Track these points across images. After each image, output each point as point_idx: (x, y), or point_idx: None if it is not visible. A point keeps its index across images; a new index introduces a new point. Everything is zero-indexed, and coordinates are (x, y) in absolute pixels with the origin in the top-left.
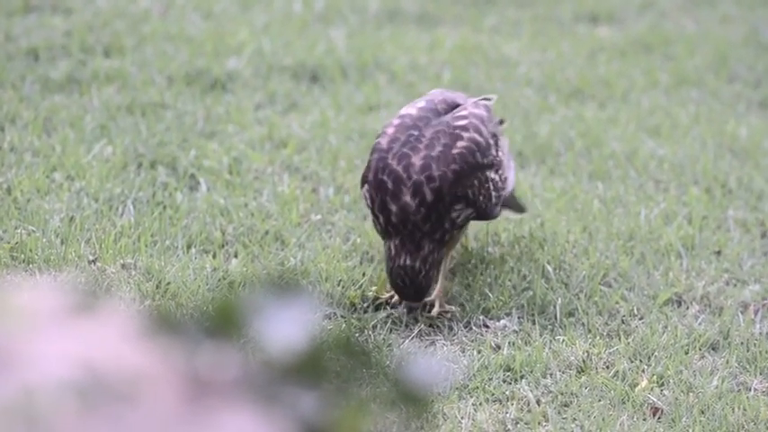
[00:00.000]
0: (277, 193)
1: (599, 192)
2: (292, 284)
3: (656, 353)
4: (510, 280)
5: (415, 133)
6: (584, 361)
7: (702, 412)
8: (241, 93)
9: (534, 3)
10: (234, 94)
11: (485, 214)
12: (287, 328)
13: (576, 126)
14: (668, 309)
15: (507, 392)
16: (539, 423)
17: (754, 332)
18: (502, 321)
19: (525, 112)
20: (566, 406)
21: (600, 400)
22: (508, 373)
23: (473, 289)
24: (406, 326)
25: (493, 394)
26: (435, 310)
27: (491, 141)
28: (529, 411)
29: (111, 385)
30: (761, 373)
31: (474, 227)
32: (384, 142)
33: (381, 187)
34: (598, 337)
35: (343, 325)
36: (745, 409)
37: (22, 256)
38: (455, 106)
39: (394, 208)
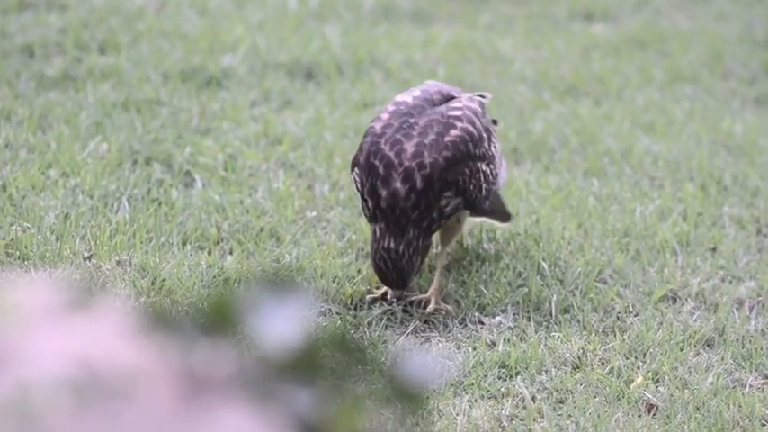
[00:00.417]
0: (272, 190)
1: (594, 189)
2: (287, 281)
3: (651, 349)
4: (505, 277)
5: (410, 120)
6: (579, 357)
7: (698, 409)
8: (236, 90)
9: (529, 0)
10: (229, 91)
11: (474, 205)
12: (282, 324)
13: (570, 123)
14: (663, 305)
15: (502, 389)
16: (534, 419)
17: (750, 329)
18: (497, 318)
19: (520, 109)
20: (561, 402)
21: (595, 397)
22: (503, 370)
23: (468, 286)
24: (402, 322)
25: (488, 391)
26: (431, 307)
27: (484, 135)
28: (524, 408)
29: (106, 382)
30: (756, 370)
31: (469, 223)
32: (378, 127)
33: (372, 172)
34: (593, 334)
35: (339, 322)
36: (740, 406)
37: (18, 252)
38: (450, 98)
39: (383, 193)
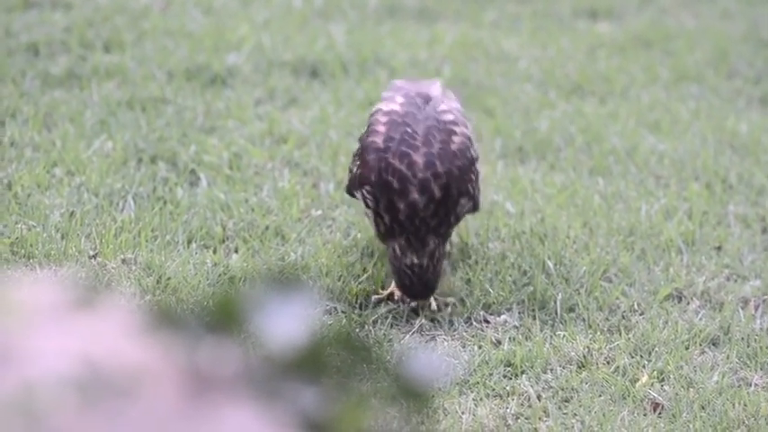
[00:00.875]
0: (277, 189)
1: (599, 187)
2: (293, 280)
3: (656, 348)
4: (510, 275)
5: (409, 130)
6: (584, 356)
7: (703, 407)
8: (241, 88)
9: None
10: (234, 89)
11: (477, 206)
12: (287, 323)
13: (576, 122)
14: (669, 304)
15: (508, 388)
16: (539, 418)
17: (755, 328)
18: (502, 317)
19: (525, 108)
20: (566, 401)
21: (600, 396)
22: (509, 369)
23: (473, 284)
24: (407, 321)
25: (493, 389)
26: (434, 305)
27: (473, 135)
28: (529, 407)
29: (111, 381)
30: (761, 369)
31: (473, 221)
32: (379, 141)
33: (387, 187)
34: (598, 333)
35: (344, 320)
36: (745, 405)
37: (23, 251)
38: (426, 96)
39: (402, 206)
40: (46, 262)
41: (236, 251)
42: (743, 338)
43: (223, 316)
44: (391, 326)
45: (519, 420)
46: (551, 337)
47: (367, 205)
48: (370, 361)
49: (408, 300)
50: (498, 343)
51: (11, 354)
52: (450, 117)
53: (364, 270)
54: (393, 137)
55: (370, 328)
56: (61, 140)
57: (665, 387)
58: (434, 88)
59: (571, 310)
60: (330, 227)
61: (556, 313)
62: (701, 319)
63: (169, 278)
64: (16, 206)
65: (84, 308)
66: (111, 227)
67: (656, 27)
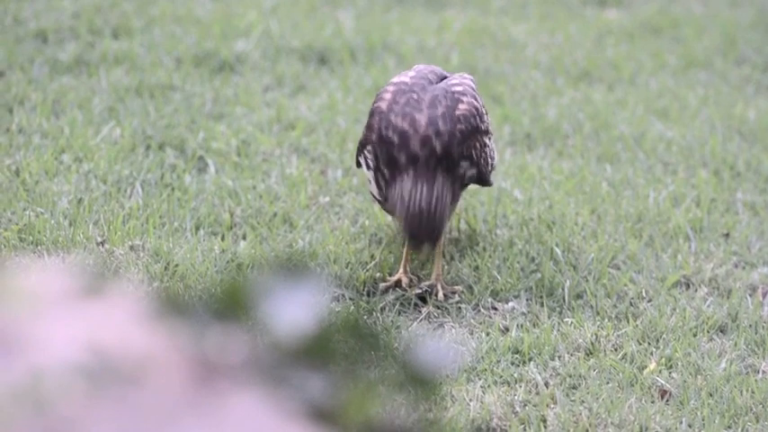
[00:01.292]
0: (285, 176)
1: (607, 174)
2: (300, 267)
3: (664, 335)
4: (518, 262)
5: (414, 96)
6: (592, 343)
7: (711, 395)
8: (249, 75)
9: None
10: (242, 76)
11: (484, 178)
12: (295, 310)
13: (584, 108)
14: (677, 291)
15: (515, 375)
16: (547, 405)
17: (763, 315)
18: (510, 304)
19: (533, 95)
20: (574, 388)
21: (608, 383)
22: (516, 356)
23: (481, 271)
24: (415, 308)
25: (501, 377)
26: (440, 295)
27: (483, 110)
28: (537, 394)
29: (118, 368)
30: None
31: (481, 208)
32: (384, 105)
33: (388, 142)
34: (606, 320)
35: (352, 307)
36: (753, 392)
37: (31, 237)
38: (443, 77)
39: (403, 157)
40: (54, 249)
41: (244, 238)
42: (751, 326)
43: (231, 303)
44: (399, 313)
45: (527, 407)
46: (559, 324)
47: (368, 167)
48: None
49: (413, 289)
50: (506, 330)
51: (19, 341)
52: (459, 89)
53: (372, 257)
54: (398, 101)
55: (378, 315)
56: (69, 127)
57: (673, 374)
58: (457, 75)
59: (579, 296)
60: (338, 214)
61: (564, 300)
62: (708, 306)
63: (177, 265)
64: (24, 193)
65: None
66: (119, 214)
67: (665, 14)
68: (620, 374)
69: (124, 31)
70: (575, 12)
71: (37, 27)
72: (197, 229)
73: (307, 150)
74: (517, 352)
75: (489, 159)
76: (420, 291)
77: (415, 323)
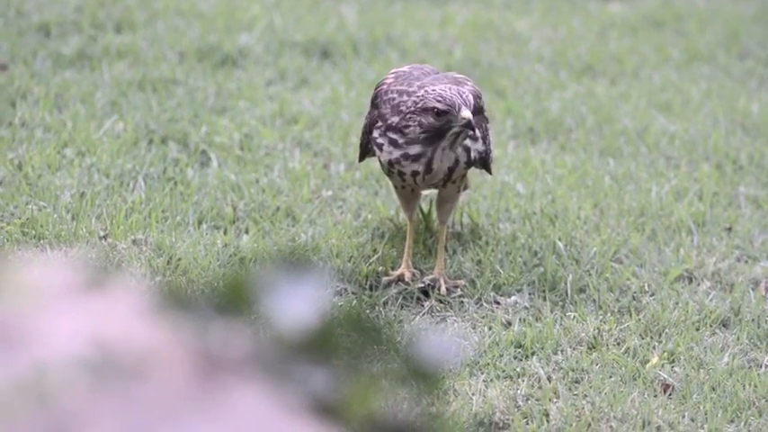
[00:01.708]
0: (288, 169)
1: (610, 168)
2: (303, 260)
3: (666, 329)
4: (521, 256)
5: (415, 73)
6: (594, 337)
7: (713, 389)
8: (252, 69)
9: None
10: (245, 70)
11: (486, 160)
12: (298, 304)
13: (587, 102)
14: (679, 285)
15: (518, 369)
16: (549, 399)
17: (765, 309)
18: (513, 298)
19: (536, 89)
20: (576, 382)
21: (611, 377)
22: (519, 350)
23: (484, 265)
24: (417, 302)
25: (504, 371)
26: (443, 289)
27: (481, 97)
28: (540, 388)
29: (121, 362)
30: None
31: (483, 202)
32: (385, 88)
33: (388, 100)
34: (609, 314)
35: (354, 301)
36: (755, 386)
37: (33, 231)
38: (438, 71)
39: (407, 101)
40: (56, 243)
41: (247, 232)
42: (753, 320)
43: (233, 297)
44: (401, 307)
45: (529, 401)
46: (562, 318)
47: (369, 131)
48: (381, 342)
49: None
50: (509, 324)
51: (22, 335)
52: (460, 76)
53: (375, 251)
54: (400, 81)
55: (381, 309)
56: (72, 121)
57: (676, 368)
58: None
59: (582, 291)
60: (341, 208)
61: (566, 294)
62: (711, 300)
63: (180, 259)
64: (27, 187)
65: (94, 289)
66: (122, 207)
67: (668, 7)
68: (623, 368)
69: (127, 24)
70: (578, 5)
71: (40, 20)
72: (200, 223)
73: (309, 144)
74: (520, 346)
75: (490, 146)
76: (423, 285)
77: (418, 317)
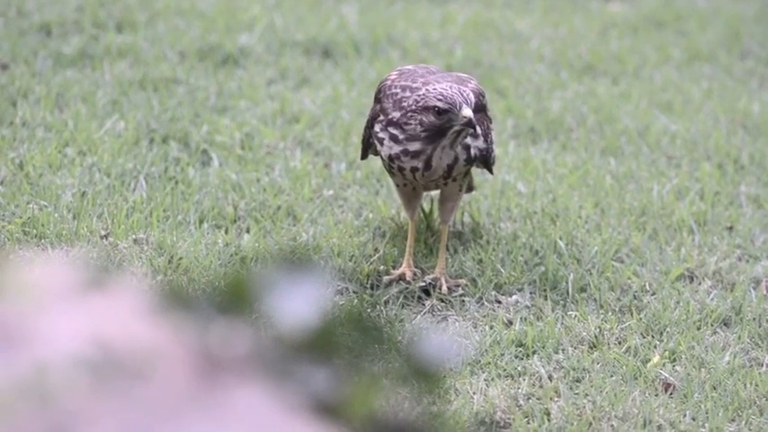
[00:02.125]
0: (289, 169)
1: (611, 167)
2: (304, 260)
3: (668, 328)
4: (522, 255)
5: (419, 71)
6: (596, 336)
7: (714, 388)
8: (253, 68)
9: None
10: (246, 69)
11: (488, 158)
12: (299, 303)
13: (588, 102)
14: (680, 284)
15: (519, 368)
16: (550, 398)
17: (766, 308)
18: (514, 297)
19: (537, 88)
20: (578, 381)
21: (612, 376)
22: (520, 349)
23: (485, 264)
24: (419, 301)
25: (505, 370)
26: (444, 288)
27: (485, 96)
28: (541, 387)
29: (122, 361)
30: None
31: (485, 202)
32: (389, 83)
33: (393, 99)
34: (610, 313)
35: (355, 300)
36: (756, 385)
37: (35, 231)
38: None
39: (410, 97)
40: (57, 242)
41: (248, 231)
42: (754, 319)
43: (234, 296)
44: (403, 306)
45: (530, 400)
46: (563, 317)
47: (370, 125)
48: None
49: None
50: (510, 323)
51: (23, 335)
52: (464, 75)
53: (376, 250)
54: (404, 77)
55: (382, 308)
56: (73, 120)
57: (677, 367)
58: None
59: (583, 290)
60: (342, 207)
61: (567, 293)
62: (712, 299)
63: (181, 258)
64: (28, 186)
65: (95, 288)
66: (123, 207)
67: (669, 7)
68: (624, 367)
69: (128, 24)
70: (579, 5)
71: (41, 20)
72: (201, 222)
73: (311, 143)
74: (521, 345)
75: (491, 145)
76: (424, 284)
77: (419, 316)
